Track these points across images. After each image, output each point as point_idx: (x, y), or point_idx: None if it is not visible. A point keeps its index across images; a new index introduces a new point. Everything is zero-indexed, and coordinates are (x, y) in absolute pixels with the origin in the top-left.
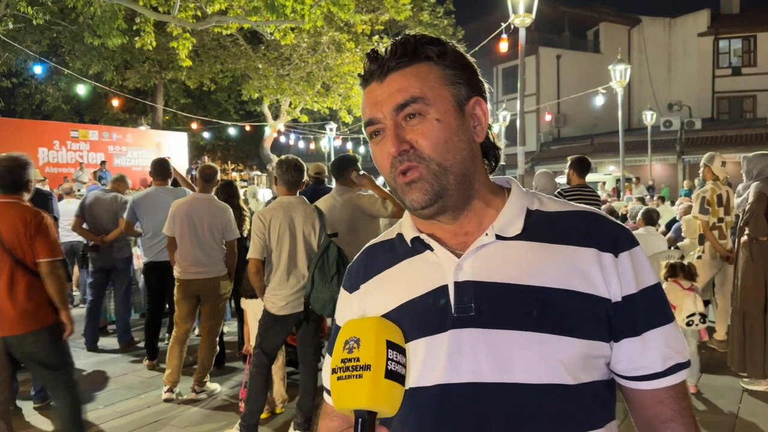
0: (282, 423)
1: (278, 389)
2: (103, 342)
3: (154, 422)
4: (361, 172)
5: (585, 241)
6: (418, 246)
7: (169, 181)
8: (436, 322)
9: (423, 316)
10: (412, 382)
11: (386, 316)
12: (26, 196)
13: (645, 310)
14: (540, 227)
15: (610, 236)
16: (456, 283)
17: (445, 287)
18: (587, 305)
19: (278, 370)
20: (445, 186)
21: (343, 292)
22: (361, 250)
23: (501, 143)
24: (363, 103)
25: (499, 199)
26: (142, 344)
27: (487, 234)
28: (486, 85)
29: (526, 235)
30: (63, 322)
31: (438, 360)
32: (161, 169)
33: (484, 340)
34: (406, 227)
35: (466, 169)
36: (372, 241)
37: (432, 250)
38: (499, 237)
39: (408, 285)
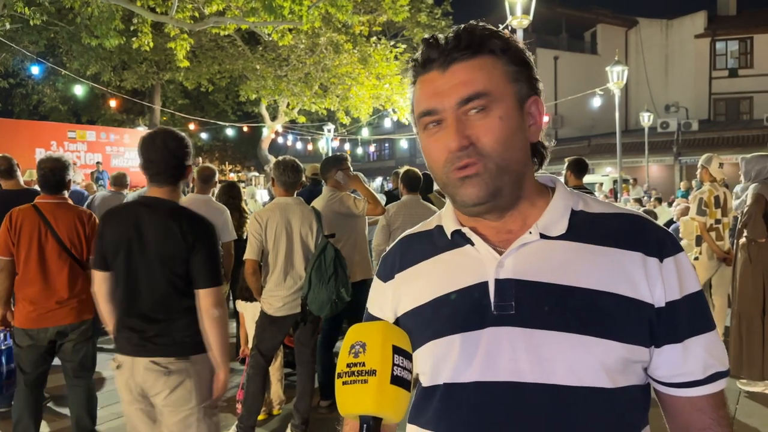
0: (279, 424)
1: (275, 390)
2: (102, 342)
3: None
4: (352, 172)
5: (630, 244)
6: (459, 239)
7: None
8: (474, 318)
9: (460, 312)
10: (446, 377)
11: (421, 308)
12: (66, 195)
13: (688, 317)
14: (585, 228)
15: (655, 240)
16: (497, 281)
17: (485, 284)
18: (631, 309)
19: (276, 371)
20: (500, 186)
21: (376, 281)
22: (397, 239)
23: (550, 142)
24: (418, 92)
25: (543, 199)
26: None
27: (530, 232)
28: (541, 84)
29: (570, 235)
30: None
31: (475, 357)
32: None
33: (525, 340)
34: (447, 219)
35: (521, 169)
36: (408, 231)
37: (473, 244)
38: (543, 236)
39: (446, 278)
